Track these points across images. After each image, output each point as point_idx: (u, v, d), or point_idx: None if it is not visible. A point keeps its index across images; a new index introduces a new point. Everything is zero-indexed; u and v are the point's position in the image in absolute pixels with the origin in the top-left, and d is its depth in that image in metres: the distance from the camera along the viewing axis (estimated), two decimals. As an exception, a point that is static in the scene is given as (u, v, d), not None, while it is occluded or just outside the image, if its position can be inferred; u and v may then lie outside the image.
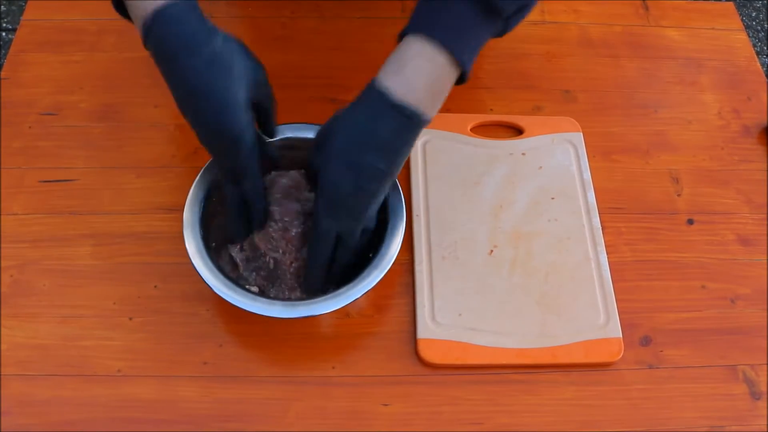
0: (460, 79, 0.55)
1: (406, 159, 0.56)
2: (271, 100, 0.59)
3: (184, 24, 0.52)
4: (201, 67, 0.52)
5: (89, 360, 0.59)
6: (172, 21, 0.51)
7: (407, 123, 0.53)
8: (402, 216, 0.59)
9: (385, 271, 0.56)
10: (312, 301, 0.55)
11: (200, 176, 0.60)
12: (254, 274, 0.60)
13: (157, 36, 0.51)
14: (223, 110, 0.52)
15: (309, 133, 0.61)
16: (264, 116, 0.59)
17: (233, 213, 0.59)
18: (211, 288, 0.55)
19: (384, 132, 0.53)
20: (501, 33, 0.56)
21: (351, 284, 0.56)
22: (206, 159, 0.60)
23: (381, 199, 0.57)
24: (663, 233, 0.69)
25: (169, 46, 0.51)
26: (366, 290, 0.55)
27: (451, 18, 0.53)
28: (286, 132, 0.63)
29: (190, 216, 0.58)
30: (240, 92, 0.53)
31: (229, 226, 0.60)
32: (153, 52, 0.52)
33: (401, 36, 0.54)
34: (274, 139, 0.62)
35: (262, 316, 0.61)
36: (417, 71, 0.53)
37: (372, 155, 0.54)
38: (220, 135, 0.53)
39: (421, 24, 0.53)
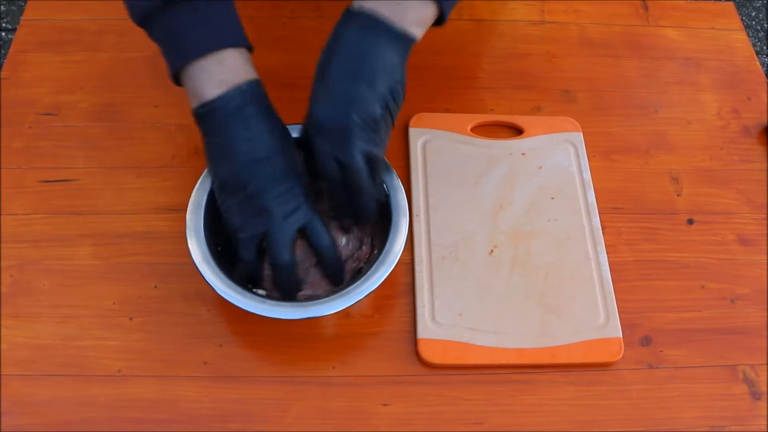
0: (440, 19, 0.56)
1: (386, 72, 0.54)
2: None
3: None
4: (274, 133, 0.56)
5: (89, 360, 0.59)
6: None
7: (366, 24, 0.54)
8: (405, 212, 0.59)
9: (391, 268, 0.56)
10: (316, 302, 0.55)
11: (202, 179, 0.60)
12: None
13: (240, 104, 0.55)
14: (298, 167, 0.57)
15: None
16: None
17: (253, 273, 0.59)
18: (216, 291, 0.55)
19: (345, 37, 0.54)
20: None
21: (355, 284, 0.56)
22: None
23: (371, 116, 0.54)
24: (663, 233, 0.69)
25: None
26: (371, 290, 0.55)
27: None
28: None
29: (193, 218, 0.58)
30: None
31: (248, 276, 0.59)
32: (224, 116, 0.55)
33: None
34: None
35: (263, 316, 0.62)
36: None
37: (335, 60, 0.54)
38: (295, 189, 0.55)
39: None
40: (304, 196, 0.56)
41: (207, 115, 0.55)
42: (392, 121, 0.57)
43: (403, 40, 0.55)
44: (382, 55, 0.54)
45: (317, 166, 0.55)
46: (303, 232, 0.57)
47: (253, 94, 0.56)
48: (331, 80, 0.54)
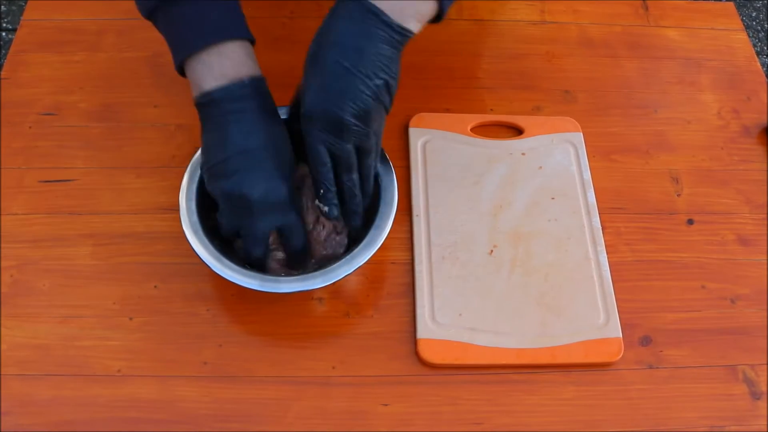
0: (438, 15, 0.56)
1: (382, 66, 0.54)
2: None
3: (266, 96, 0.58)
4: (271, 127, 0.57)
5: (89, 360, 0.59)
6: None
7: (364, 17, 0.53)
8: (394, 192, 0.61)
9: (386, 231, 0.58)
10: (308, 275, 0.56)
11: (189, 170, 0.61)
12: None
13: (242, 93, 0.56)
14: (283, 173, 0.57)
15: None
16: None
17: (259, 264, 0.59)
18: (198, 255, 0.56)
19: (341, 28, 0.54)
20: None
21: (348, 255, 0.57)
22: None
23: (365, 110, 0.54)
24: (663, 233, 0.69)
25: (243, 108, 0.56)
26: (371, 253, 0.57)
27: None
28: None
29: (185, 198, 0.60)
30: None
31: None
32: (222, 108, 0.56)
33: None
34: None
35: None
36: None
37: (331, 52, 0.54)
38: (278, 191, 0.56)
39: None
40: (288, 196, 0.57)
41: (206, 105, 0.56)
42: (386, 113, 0.57)
43: (400, 34, 0.54)
44: (379, 48, 0.54)
45: (308, 154, 0.56)
46: (279, 230, 0.57)
47: (253, 89, 0.57)
48: (326, 71, 0.54)
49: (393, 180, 0.61)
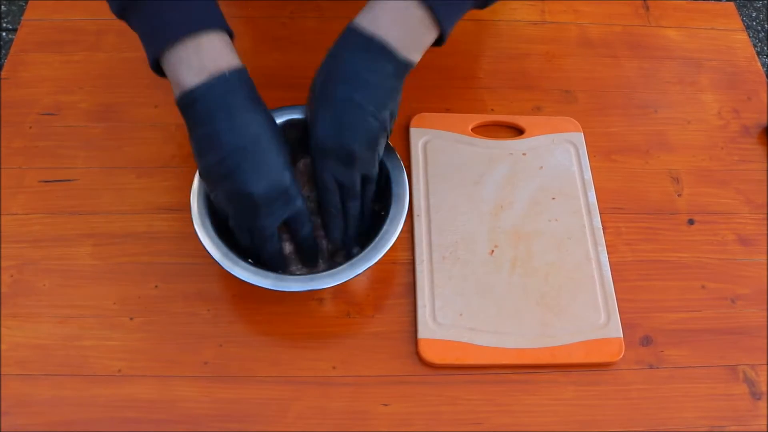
0: (439, 39, 0.57)
1: (392, 100, 0.57)
2: None
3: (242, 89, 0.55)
4: (259, 122, 0.55)
5: (89, 360, 0.59)
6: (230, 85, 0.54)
7: (378, 56, 0.55)
8: (406, 188, 0.61)
9: (396, 234, 0.58)
10: (320, 274, 0.56)
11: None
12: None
13: (214, 92, 0.54)
14: (283, 156, 0.56)
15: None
16: None
17: (278, 264, 0.59)
18: (208, 251, 0.56)
19: (350, 61, 0.55)
20: (483, 4, 0.58)
21: (362, 253, 0.57)
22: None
23: (374, 143, 0.56)
24: (663, 233, 0.69)
25: (221, 104, 0.54)
26: (378, 257, 0.57)
27: None
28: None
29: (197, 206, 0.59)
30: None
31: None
32: (206, 106, 0.54)
33: None
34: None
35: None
36: (386, 10, 0.55)
37: (342, 86, 0.55)
38: (280, 179, 0.55)
39: None
40: (291, 183, 0.56)
41: (190, 105, 0.54)
42: (387, 138, 0.59)
43: (405, 66, 0.56)
44: (386, 81, 0.56)
45: (317, 182, 0.57)
46: (287, 222, 0.57)
47: (236, 82, 0.55)
48: (336, 105, 0.55)
49: (405, 183, 0.61)
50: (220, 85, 0.54)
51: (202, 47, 0.53)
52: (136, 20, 0.56)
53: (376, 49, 0.55)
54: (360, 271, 0.56)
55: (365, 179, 0.58)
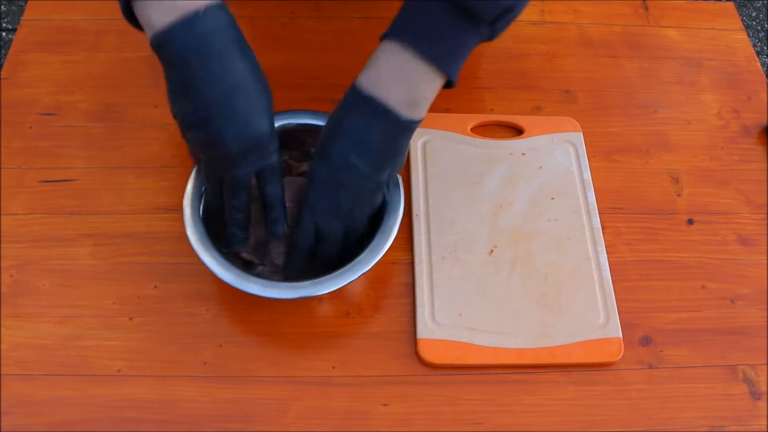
0: (449, 84, 0.55)
1: (392, 160, 0.57)
2: None
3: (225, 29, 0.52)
4: (241, 68, 0.52)
5: (89, 360, 0.59)
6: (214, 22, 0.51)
7: (378, 117, 0.54)
8: (400, 194, 0.61)
9: (391, 239, 0.58)
10: (314, 281, 0.56)
11: (195, 173, 0.60)
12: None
13: (200, 31, 0.50)
14: (262, 106, 0.53)
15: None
16: None
17: (239, 222, 0.58)
18: (207, 266, 0.56)
19: (349, 122, 0.55)
20: (490, 37, 0.55)
21: (355, 260, 0.57)
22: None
23: (367, 202, 0.57)
24: (663, 233, 0.69)
25: (204, 46, 0.50)
26: (374, 262, 0.56)
27: (427, 24, 0.53)
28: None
29: (189, 211, 0.59)
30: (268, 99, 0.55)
31: (234, 236, 0.58)
32: (179, 50, 0.50)
33: (381, 38, 0.55)
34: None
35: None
36: (387, 67, 0.54)
37: (340, 146, 0.55)
38: (255, 131, 0.52)
39: (397, 29, 0.54)
40: (266, 138, 0.53)
41: (160, 46, 0.50)
42: (383, 197, 0.59)
43: (409, 125, 0.55)
44: (388, 143, 0.55)
45: (299, 228, 0.57)
46: (257, 174, 0.56)
47: (213, 21, 0.51)
48: (332, 163, 0.55)
49: (399, 185, 0.61)
50: (194, 25, 0.49)
51: None
52: None
53: (377, 111, 0.54)
54: (356, 275, 0.56)
55: (349, 232, 0.58)
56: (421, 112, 0.56)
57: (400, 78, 0.53)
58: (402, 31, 0.53)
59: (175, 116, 0.54)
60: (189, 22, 0.49)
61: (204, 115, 0.52)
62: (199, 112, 0.52)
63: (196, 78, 0.51)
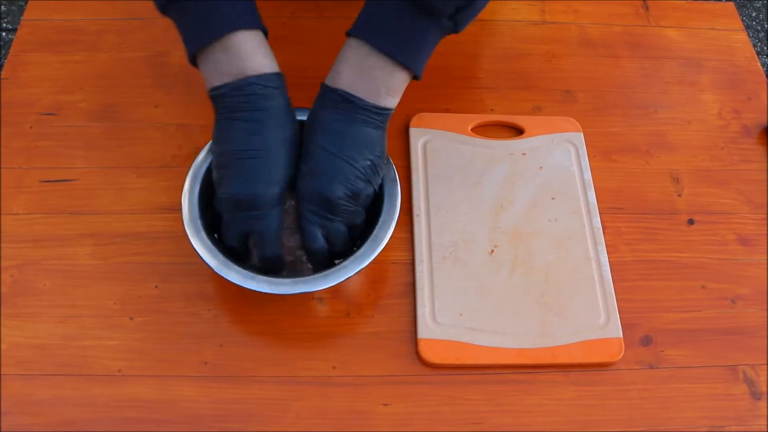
0: (414, 76, 0.58)
1: (370, 147, 0.57)
2: None
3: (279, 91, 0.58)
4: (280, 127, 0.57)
5: (89, 360, 0.59)
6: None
7: (345, 107, 0.56)
8: (397, 186, 0.61)
9: (389, 234, 0.58)
10: (312, 277, 0.56)
11: (192, 172, 0.61)
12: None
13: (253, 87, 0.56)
14: (275, 174, 0.56)
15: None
16: None
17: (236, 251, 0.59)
18: (203, 260, 0.56)
19: (321, 116, 0.57)
20: (454, 30, 0.58)
21: (352, 257, 0.57)
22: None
23: (355, 187, 0.57)
24: (663, 233, 0.69)
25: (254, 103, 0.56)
26: (370, 260, 0.57)
27: (386, 19, 0.56)
28: None
29: (188, 207, 0.59)
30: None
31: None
32: (219, 103, 0.56)
33: (347, 34, 0.58)
34: None
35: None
36: (347, 64, 0.57)
37: (315, 139, 0.57)
38: (252, 192, 0.55)
39: (359, 26, 0.57)
40: (266, 201, 0.56)
41: (213, 99, 0.57)
42: (374, 192, 0.59)
43: (379, 114, 0.57)
44: (360, 131, 0.57)
45: (302, 234, 0.58)
46: (250, 237, 0.58)
47: (259, 87, 0.56)
48: (313, 156, 0.57)
49: (396, 182, 0.61)
50: (239, 90, 0.56)
51: (229, 50, 0.55)
52: (176, 18, 0.58)
53: (344, 101, 0.56)
54: (354, 272, 0.56)
55: (352, 228, 0.59)
56: (389, 101, 0.58)
57: (363, 71, 0.56)
58: (362, 27, 0.57)
59: (213, 156, 0.59)
60: (236, 86, 0.56)
61: (224, 162, 0.57)
62: (222, 157, 0.57)
63: (231, 132, 0.56)
